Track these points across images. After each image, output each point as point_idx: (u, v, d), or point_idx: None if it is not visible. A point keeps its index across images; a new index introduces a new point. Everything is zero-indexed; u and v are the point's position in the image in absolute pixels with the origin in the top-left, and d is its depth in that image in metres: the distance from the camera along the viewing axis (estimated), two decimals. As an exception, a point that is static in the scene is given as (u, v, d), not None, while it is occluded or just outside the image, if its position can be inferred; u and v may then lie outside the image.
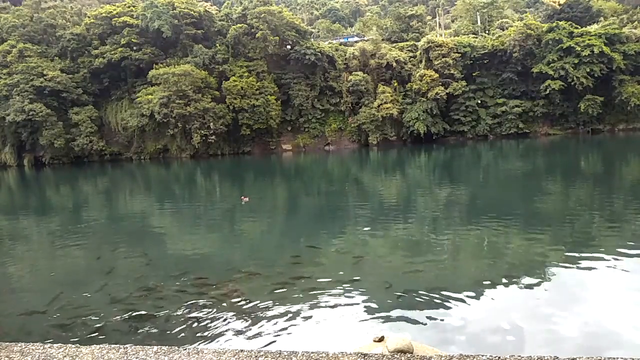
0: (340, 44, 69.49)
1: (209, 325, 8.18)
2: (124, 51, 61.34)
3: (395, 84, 62.44)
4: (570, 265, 10.36)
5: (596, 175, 27.87)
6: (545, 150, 46.67)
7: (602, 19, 68.26)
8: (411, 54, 64.65)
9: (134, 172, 51.22)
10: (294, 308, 8.77)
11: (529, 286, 9.19)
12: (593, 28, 60.87)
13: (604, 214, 16.18)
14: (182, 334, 7.87)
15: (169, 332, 8.01)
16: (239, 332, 7.85)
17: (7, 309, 9.68)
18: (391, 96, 61.02)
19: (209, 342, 7.50)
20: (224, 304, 9.08)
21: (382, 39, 68.44)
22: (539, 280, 9.50)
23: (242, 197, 22.90)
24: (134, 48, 62.09)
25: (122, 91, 64.56)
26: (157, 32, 60.68)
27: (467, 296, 8.88)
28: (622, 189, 21.85)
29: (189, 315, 8.62)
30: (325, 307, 8.77)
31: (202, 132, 58.72)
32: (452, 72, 59.85)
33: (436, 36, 67.12)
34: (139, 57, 61.49)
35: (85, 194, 34.70)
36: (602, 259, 10.63)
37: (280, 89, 62.90)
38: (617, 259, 10.53)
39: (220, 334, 7.81)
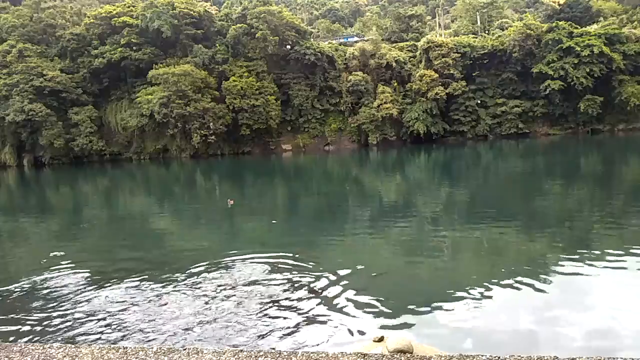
0: (340, 44, 69.48)
1: (207, 325, 8.17)
2: (123, 51, 61.34)
3: (395, 84, 62.46)
4: (571, 266, 10.36)
5: (596, 175, 27.87)
6: (545, 151, 46.68)
7: (601, 19, 68.32)
8: (411, 54, 64.70)
9: (133, 173, 51.21)
10: (294, 308, 8.76)
11: (529, 286, 9.19)
12: (593, 28, 60.91)
13: (605, 214, 16.18)
14: (180, 334, 7.86)
15: (167, 331, 8.00)
16: (238, 332, 7.84)
17: None
18: (391, 96, 61.03)
19: (208, 342, 7.49)
20: (223, 304, 9.07)
21: (382, 39, 68.46)
22: (540, 280, 9.50)
23: (228, 200, 22.86)
24: (134, 48, 62.08)
25: (122, 91, 64.56)
26: (156, 32, 60.68)
27: (467, 296, 8.87)
28: (622, 189, 21.85)
29: (187, 315, 8.61)
30: (325, 307, 8.76)
31: (202, 132, 58.73)
32: (451, 72, 59.87)
33: (436, 36, 67.16)
34: (139, 57, 61.48)
35: (85, 194, 34.70)
36: (602, 259, 10.62)
37: (280, 89, 62.90)
38: (617, 259, 10.52)
39: (220, 334, 7.80)
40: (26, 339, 8.00)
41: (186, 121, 58.45)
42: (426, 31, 74.46)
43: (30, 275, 11.73)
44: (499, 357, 3.45)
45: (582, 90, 56.47)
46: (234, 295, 9.54)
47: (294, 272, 10.78)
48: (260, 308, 8.79)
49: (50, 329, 8.41)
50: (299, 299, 9.17)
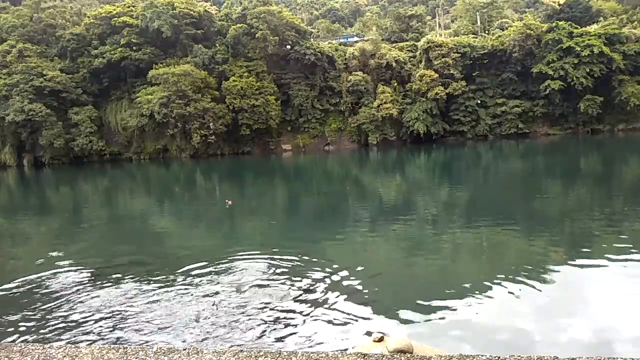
0: (340, 44, 69.48)
1: (207, 325, 8.17)
2: (123, 51, 61.32)
3: (395, 84, 62.46)
4: (571, 266, 10.36)
5: (596, 175, 27.88)
6: (545, 151, 46.69)
7: (601, 19, 68.35)
8: (411, 54, 64.71)
9: (133, 173, 51.21)
10: (294, 308, 8.76)
11: (529, 286, 9.19)
12: (593, 28, 60.94)
13: (604, 214, 16.18)
14: (180, 334, 7.86)
15: (167, 331, 8.00)
16: (238, 332, 7.84)
17: None
18: (391, 96, 61.03)
19: (209, 343, 7.49)
20: (223, 304, 9.06)
21: (382, 39, 68.47)
22: (540, 280, 9.50)
23: (227, 201, 22.87)
24: (134, 48, 62.06)
25: (122, 91, 64.52)
26: (156, 32, 60.67)
27: (467, 296, 8.87)
28: (622, 189, 21.85)
29: (187, 315, 8.60)
30: (325, 307, 8.76)
31: (202, 132, 58.71)
32: (451, 72, 59.87)
33: (436, 36, 67.17)
34: (139, 57, 61.45)
35: (85, 194, 34.70)
36: (602, 259, 10.62)
37: (280, 89, 62.89)
38: (617, 259, 10.52)
39: (220, 334, 7.81)
40: (26, 339, 8.00)
41: (186, 121, 58.44)
42: (426, 31, 74.46)
43: (30, 275, 11.73)
44: (499, 357, 3.45)
45: (582, 90, 56.47)
46: (234, 295, 9.54)
47: (293, 272, 10.78)
48: (260, 308, 8.79)
49: (50, 329, 8.41)
50: (299, 299, 9.17)
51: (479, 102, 61.69)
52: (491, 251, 12.76)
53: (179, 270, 11.39)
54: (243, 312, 8.63)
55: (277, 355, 3.71)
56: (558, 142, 53.88)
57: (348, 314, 8.43)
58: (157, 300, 9.47)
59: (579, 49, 56.06)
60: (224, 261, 11.94)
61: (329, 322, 8.14)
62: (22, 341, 7.79)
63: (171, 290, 10.03)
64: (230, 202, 22.47)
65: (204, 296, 9.56)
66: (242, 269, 11.21)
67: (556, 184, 24.66)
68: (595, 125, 59.37)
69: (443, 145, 59.03)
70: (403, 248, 13.59)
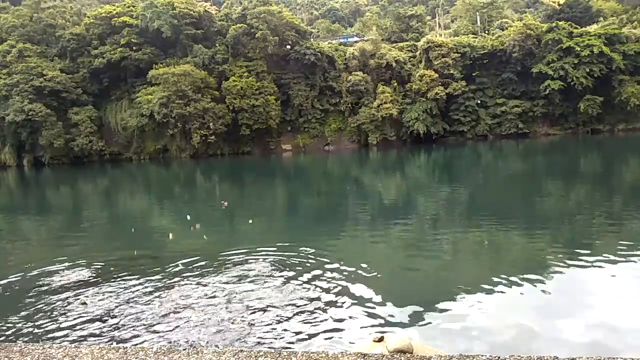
0: (340, 44, 69.55)
1: (207, 325, 8.17)
2: (123, 51, 61.35)
3: (395, 84, 62.50)
4: (571, 266, 10.36)
5: (596, 175, 27.88)
6: (545, 151, 46.69)
7: (601, 19, 68.42)
8: (411, 54, 64.77)
9: (133, 173, 51.20)
10: (294, 308, 8.75)
11: (529, 286, 9.19)
12: (593, 28, 61.02)
13: (604, 214, 16.18)
14: (180, 334, 7.86)
15: (166, 331, 8.00)
16: (238, 332, 7.84)
17: None
18: (391, 96, 61.06)
19: (208, 343, 7.49)
20: (222, 304, 9.06)
21: (382, 39, 68.52)
22: (540, 280, 9.50)
23: (223, 202, 22.85)
24: (134, 48, 62.10)
25: (122, 91, 64.55)
26: (156, 32, 60.70)
27: (468, 296, 8.87)
28: (622, 189, 21.85)
29: (187, 315, 8.60)
30: (325, 306, 8.76)
31: (202, 132, 58.73)
32: (451, 72, 59.91)
33: (436, 36, 67.21)
34: (139, 57, 61.49)
35: (85, 194, 34.70)
36: (603, 259, 10.61)
37: (280, 89, 62.93)
38: (617, 259, 10.52)
39: (220, 334, 7.81)
40: (26, 339, 8.00)
41: (186, 121, 58.45)
42: (426, 31, 74.52)
43: (30, 275, 11.73)
44: (499, 357, 3.45)
45: (582, 90, 56.50)
46: (233, 295, 9.53)
47: (293, 272, 10.77)
48: (260, 308, 8.79)
49: (50, 329, 8.40)
50: (298, 299, 9.17)
51: (479, 102, 61.74)
52: (491, 251, 12.76)
53: (179, 270, 11.39)
54: (242, 312, 8.63)
55: (277, 355, 3.70)
56: (558, 142, 53.88)
57: (348, 313, 8.43)
58: (158, 300, 9.46)
59: (579, 49, 56.09)
60: (223, 261, 11.94)
61: (329, 322, 8.14)
62: (22, 341, 7.78)
63: (171, 290, 10.03)
64: (226, 203, 22.45)
65: (204, 296, 9.55)
66: (241, 269, 11.21)
67: (556, 184, 24.66)
68: (595, 125, 59.41)
69: (443, 145, 59.04)
70: (403, 248, 13.58)
